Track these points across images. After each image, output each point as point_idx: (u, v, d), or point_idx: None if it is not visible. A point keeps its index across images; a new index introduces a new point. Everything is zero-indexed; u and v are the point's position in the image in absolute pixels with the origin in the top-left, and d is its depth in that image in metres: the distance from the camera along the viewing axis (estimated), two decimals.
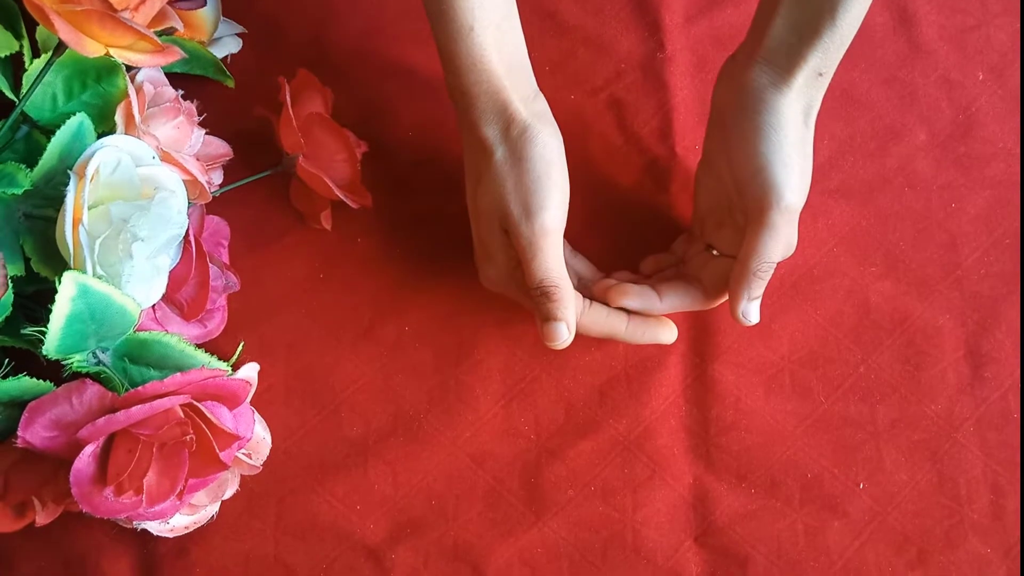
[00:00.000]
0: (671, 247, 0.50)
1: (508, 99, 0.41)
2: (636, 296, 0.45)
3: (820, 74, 0.40)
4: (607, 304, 0.45)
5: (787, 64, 0.40)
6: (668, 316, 0.46)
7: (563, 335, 0.41)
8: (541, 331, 0.42)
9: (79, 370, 0.37)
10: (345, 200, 0.47)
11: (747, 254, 0.41)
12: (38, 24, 0.39)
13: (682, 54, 0.54)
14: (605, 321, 0.44)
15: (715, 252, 0.45)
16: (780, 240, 0.41)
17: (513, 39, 0.41)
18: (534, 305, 0.42)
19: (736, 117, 0.42)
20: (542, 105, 0.43)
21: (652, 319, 0.45)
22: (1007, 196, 0.52)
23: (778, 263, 0.44)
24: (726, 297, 0.44)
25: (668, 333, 0.45)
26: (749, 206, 0.41)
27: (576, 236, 0.49)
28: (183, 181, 0.40)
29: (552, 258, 0.41)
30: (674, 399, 0.48)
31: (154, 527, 0.41)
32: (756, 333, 0.49)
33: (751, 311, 0.42)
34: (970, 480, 0.47)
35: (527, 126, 0.41)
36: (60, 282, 0.34)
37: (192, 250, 0.41)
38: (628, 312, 0.45)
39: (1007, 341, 0.49)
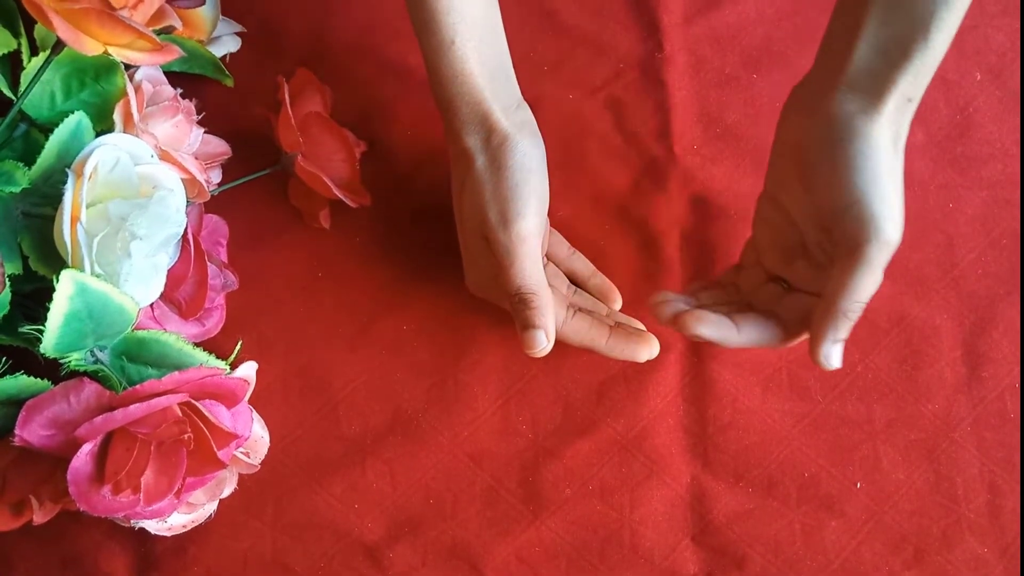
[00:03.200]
0: (718, 279, 0.46)
1: (489, 109, 0.41)
2: (714, 325, 0.40)
3: (910, 99, 0.37)
4: (681, 330, 0.41)
5: (875, 90, 0.37)
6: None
7: (541, 343, 0.41)
8: (520, 338, 0.42)
9: (77, 368, 0.37)
10: (344, 199, 0.47)
11: (837, 292, 0.37)
12: (36, 22, 0.39)
13: (680, 54, 0.54)
14: (587, 332, 0.44)
15: (786, 286, 0.42)
16: (875, 277, 0.37)
17: (495, 50, 0.42)
18: (513, 312, 0.42)
19: (821, 148, 0.38)
20: (525, 115, 0.43)
21: (635, 335, 0.44)
22: (1004, 196, 0.52)
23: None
24: (806, 335, 0.40)
25: (647, 351, 0.44)
26: (841, 242, 0.38)
27: (574, 234, 0.50)
28: (182, 180, 0.40)
29: (529, 265, 0.41)
30: (672, 398, 0.48)
31: (152, 526, 0.41)
32: None
33: (834, 354, 0.38)
34: (967, 480, 0.47)
35: (507, 136, 0.41)
36: (58, 280, 0.34)
37: (190, 249, 0.41)
38: (611, 326, 0.44)
39: (1004, 341, 0.49)
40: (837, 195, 0.38)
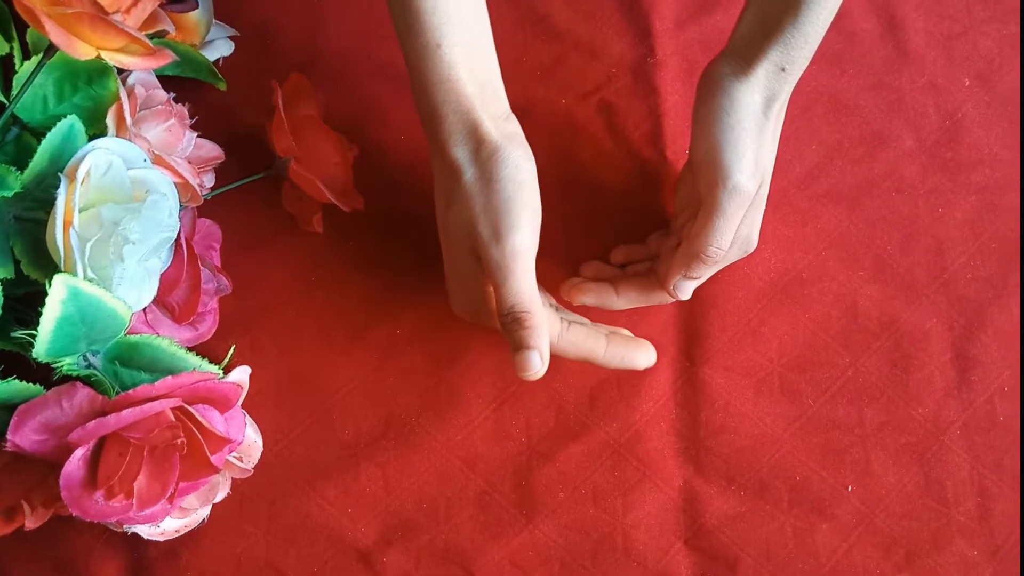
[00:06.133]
0: (647, 240, 0.50)
1: (478, 119, 0.39)
2: (592, 292, 0.45)
3: (783, 69, 0.40)
4: (569, 301, 0.45)
5: (748, 56, 0.40)
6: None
7: (535, 365, 0.39)
8: (512, 361, 0.39)
9: (69, 373, 0.37)
10: (337, 203, 0.47)
11: (693, 234, 0.42)
12: (29, 26, 0.39)
13: (672, 59, 0.54)
14: (584, 343, 0.43)
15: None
16: (729, 223, 0.40)
17: (484, 58, 0.40)
18: (505, 333, 0.40)
19: (699, 105, 0.42)
20: (514, 126, 0.41)
21: (632, 342, 0.44)
22: (993, 201, 0.52)
23: (737, 260, 0.45)
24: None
25: (645, 357, 0.44)
26: (702, 189, 0.41)
27: (565, 240, 0.50)
28: (174, 184, 0.40)
29: (523, 282, 0.39)
30: (664, 402, 0.49)
31: (144, 531, 0.41)
32: (745, 337, 0.49)
33: (683, 287, 0.43)
34: (957, 483, 0.48)
35: (498, 147, 0.39)
36: (50, 285, 0.34)
37: (183, 253, 0.41)
38: (607, 335, 0.44)
39: (994, 345, 0.50)
40: (700, 144, 0.41)
